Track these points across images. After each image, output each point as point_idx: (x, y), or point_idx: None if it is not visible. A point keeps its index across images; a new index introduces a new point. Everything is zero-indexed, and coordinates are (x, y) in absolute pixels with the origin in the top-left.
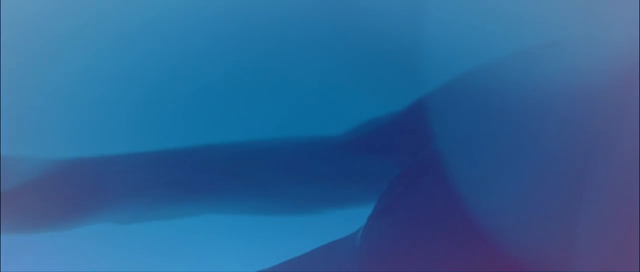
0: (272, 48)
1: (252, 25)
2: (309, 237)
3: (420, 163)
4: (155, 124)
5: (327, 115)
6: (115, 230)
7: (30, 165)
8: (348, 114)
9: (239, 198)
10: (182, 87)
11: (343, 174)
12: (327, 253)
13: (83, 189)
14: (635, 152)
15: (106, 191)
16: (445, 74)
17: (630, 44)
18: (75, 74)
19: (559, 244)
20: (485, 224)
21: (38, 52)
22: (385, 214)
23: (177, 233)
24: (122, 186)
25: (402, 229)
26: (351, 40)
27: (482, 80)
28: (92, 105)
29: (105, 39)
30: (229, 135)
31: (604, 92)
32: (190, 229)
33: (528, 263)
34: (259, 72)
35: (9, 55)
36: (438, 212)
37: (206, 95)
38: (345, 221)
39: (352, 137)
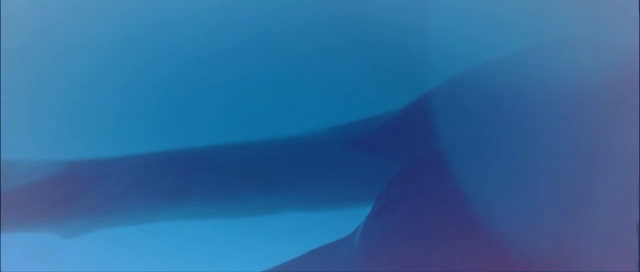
0: (269, 47)
1: (250, 25)
2: (308, 237)
3: (419, 163)
4: (154, 125)
5: (326, 114)
6: (116, 232)
7: (29, 168)
8: (348, 112)
9: (237, 199)
10: (182, 89)
11: (343, 174)
12: (324, 255)
13: (83, 191)
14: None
15: (106, 193)
16: (447, 72)
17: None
18: (74, 76)
19: (563, 245)
20: (486, 224)
21: (37, 54)
22: (384, 215)
23: (176, 235)
24: (122, 188)
25: (400, 230)
26: (350, 37)
27: (485, 79)
28: (91, 107)
29: (103, 41)
30: (226, 135)
31: (610, 91)
32: (188, 231)
33: (529, 264)
34: (256, 71)
35: (8, 58)
36: (438, 213)
37: (205, 96)
38: (345, 221)
39: (352, 136)
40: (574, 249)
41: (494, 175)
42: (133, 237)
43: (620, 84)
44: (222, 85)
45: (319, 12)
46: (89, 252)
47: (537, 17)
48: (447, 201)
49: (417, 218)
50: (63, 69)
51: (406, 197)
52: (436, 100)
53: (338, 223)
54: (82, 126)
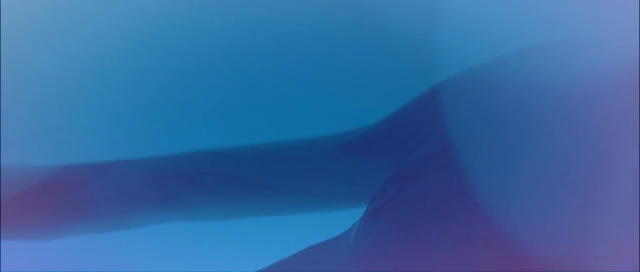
0: (263, 51)
1: (249, 23)
2: (305, 238)
3: (413, 165)
4: (154, 128)
5: (322, 116)
6: (117, 235)
7: (29, 172)
8: (343, 115)
9: (234, 200)
10: (180, 93)
11: (337, 175)
12: (319, 252)
13: (82, 194)
14: None
15: (107, 197)
16: (448, 72)
17: None
18: (74, 77)
19: (563, 245)
20: (483, 224)
21: (37, 55)
22: (377, 217)
23: (175, 236)
24: (121, 191)
25: (394, 231)
26: (347, 41)
27: (487, 78)
28: (93, 109)
29: (103, 44)
30: (224, 139)
31: (610, 91)
32: (187, 232)
33: (530, 264)
34: (252, 75)
35: (8, 61)
36: (431, 214)
37: (205, 99)
38: (341, 223)
39: (346, 138)
40: (575, 248)
41: (493, 174)
42: (132, 239)
43: (620, 84)
44: (221, 87)
45: (316, 14)
46: (89, 254)
47: (538, 18)
48: (440, 202)
49: (411, 220)
50: (61, 73)
51: (400, 199)
52: (433, 102)
53: (333, 225)
54: (81, 129)
